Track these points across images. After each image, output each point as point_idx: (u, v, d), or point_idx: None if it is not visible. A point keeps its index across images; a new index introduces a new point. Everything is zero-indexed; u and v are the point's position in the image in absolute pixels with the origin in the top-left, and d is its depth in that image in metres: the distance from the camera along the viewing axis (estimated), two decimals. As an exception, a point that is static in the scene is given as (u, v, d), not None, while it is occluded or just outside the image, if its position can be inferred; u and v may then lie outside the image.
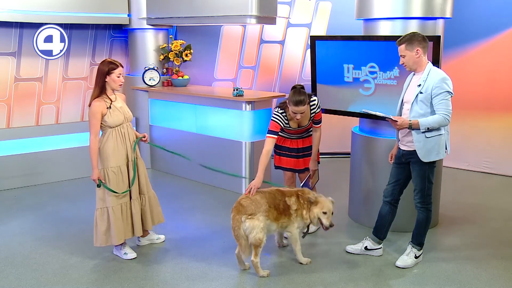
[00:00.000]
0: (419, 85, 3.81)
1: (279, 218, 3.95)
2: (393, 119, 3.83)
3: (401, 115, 3.99)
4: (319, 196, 4.05)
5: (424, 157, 3.83)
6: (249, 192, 3.96)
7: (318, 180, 4.78)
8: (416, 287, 3.74)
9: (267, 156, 4.21)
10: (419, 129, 3.74)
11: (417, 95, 3.82)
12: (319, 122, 4.56)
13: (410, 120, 3.78)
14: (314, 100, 4.46)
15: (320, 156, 4.79)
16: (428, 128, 3.74)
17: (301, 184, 4.64)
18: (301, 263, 4.08)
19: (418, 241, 4.07)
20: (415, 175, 3.96)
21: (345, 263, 4.12)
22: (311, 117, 4.49)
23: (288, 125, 4.45)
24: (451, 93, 3.76)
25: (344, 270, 3.97)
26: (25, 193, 6.05)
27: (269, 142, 4.28)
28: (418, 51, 3.78)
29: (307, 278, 3.86)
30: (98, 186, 4.02)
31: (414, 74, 3.94)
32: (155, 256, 4.28)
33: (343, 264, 4.10)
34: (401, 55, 3.85)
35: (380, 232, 4.23)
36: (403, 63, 3.87)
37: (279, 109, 4.39)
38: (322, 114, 4.64)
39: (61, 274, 3.96)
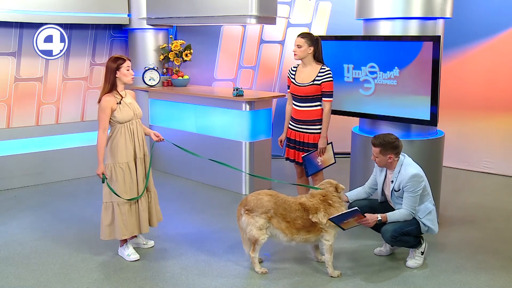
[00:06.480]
0: (392, 181, 3.94)
1: (295, 233, 3.81)
2: (362, 220, 3.80)
3: (385, 200, 4.14)
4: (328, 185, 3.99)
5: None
6: (281, 142, 4.81)
7: (333, 163, 4.66)
8: (416, 287, 3.74)
9: (287, 109, 4.77)
10: (387, 221, 3.86)
11: (392, 192, 3.96)
12: (328, 95, 4.49)
13: (379, 217, 3.82)
14: (326, 68, 4.51)
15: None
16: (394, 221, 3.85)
17: (302, 156, 4.55)
18: (332, 276, 3.86)
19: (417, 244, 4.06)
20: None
21: (345, 263, 4.12)
22: (316, 79, 4.48)
23: (294, 77, 4.66)
24: (420, 190, 3.82)
25: (343, 270, 3.96)
26: (25, 193, 6.04)
27: (288, 98, 4.81)
28: (390, 157, 3.86)
29: (307, 278, 3.86)
30: (102, 181, 4.04)
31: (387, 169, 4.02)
32: (155, 256, 4.28)
33: (342, 264, 4.10)
34: (374, 154, 3.91)
35: None
36: (375, 160, 3.94)
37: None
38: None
39: (61, 274, 3.96)
